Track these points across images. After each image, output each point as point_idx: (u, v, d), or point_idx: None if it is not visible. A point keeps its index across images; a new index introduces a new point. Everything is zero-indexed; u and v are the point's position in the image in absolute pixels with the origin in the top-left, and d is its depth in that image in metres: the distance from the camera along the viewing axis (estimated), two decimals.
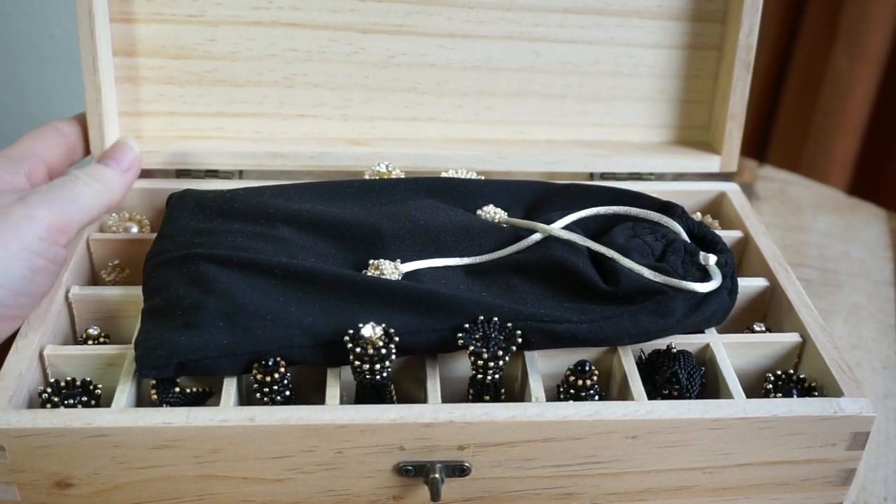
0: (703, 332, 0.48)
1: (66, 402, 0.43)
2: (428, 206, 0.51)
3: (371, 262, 0.47)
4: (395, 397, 0.45)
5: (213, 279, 0.45)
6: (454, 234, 0.49)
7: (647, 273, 0.46)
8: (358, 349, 0.42)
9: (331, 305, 0.44)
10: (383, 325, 0.43)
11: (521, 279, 0.47)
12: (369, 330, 0.42)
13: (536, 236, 0.49)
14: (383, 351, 0.42)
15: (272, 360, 0.43)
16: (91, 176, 0.50)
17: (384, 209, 0.51)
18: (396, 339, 0.43)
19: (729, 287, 0.48)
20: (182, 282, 0.45)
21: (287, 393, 0.43)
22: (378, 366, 0.42)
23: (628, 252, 0.48)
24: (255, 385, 0.43)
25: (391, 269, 0.46)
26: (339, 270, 0.46)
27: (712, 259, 0.48)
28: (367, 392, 0.44)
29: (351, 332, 0.43)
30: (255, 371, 0.43)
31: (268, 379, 0.43)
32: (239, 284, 0.44)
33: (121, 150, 0.54)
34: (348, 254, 0.48)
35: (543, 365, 0.46)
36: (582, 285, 0.47)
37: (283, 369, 0.43)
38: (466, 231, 0.49)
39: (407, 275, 0.47)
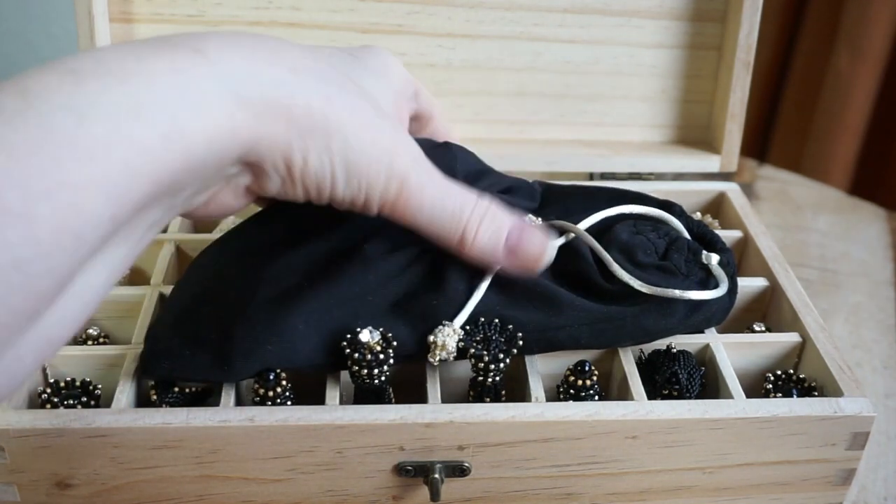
0: (702, 331, 0.48)
1: (65, 402, 0.43)
2: None
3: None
4: (393, 401, 0.45)
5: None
6: None
7: (646, 289, 0.45)
8: (356, 354, 0.42)
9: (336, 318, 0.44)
10: (381, 330, 0.43)
11: (523, 283, 0.47)
12: (367, 335, 0.42)
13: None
14: (381, 356, 0.42)
15: (272, 374, 0.43)
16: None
17: None
18: (394, 343, 0.43)
19: (729, 287, 0.48)
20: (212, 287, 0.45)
21: (288, 403, 0.43)
22: (376, 370, 0.42)
23: (632, 249, 0.47)
24: (257, 398, 0.43)
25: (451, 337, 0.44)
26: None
27: (715, 258, 0.47)
28: (366, 396, 0.44)
29: (349, 336, 0.43)
30: (255, 385, 0.43)
31: (270, 393, 0.43)
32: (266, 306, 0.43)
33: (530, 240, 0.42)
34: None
35: (543, 365, 0.46)
36: (585, 287, 0.47)
37: (284, 382, 0.43)
38: None
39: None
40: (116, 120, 0.28)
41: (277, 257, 0.44)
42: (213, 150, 0.32)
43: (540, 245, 0.42)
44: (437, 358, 0.43)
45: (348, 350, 0.42)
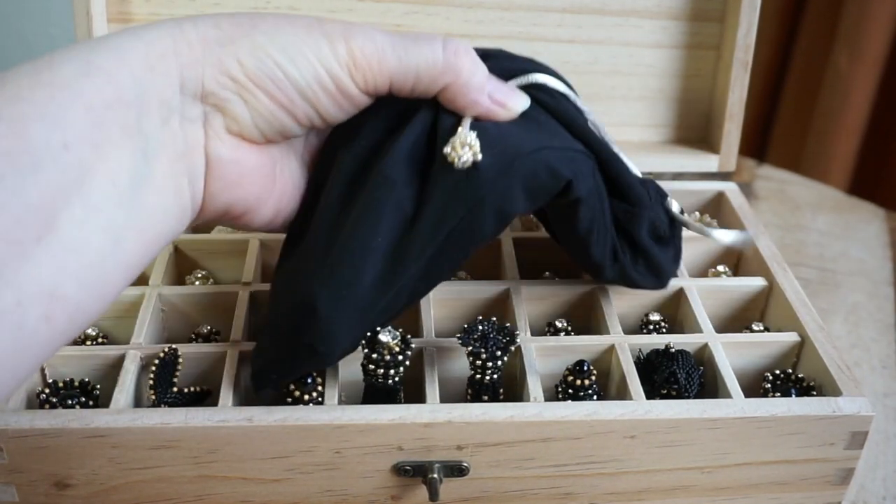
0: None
1: (64, 402, 0.43)
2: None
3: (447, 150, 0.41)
4: (402, 401, 0.45)
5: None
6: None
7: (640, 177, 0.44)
8: (374, 354, 0.42)
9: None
10: (400, 331, 0.43)
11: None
12: (387, 335, 0.42)
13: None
14: (399, 357, 0.42)
15: (311, 378, 0.43)
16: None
17: None
18: (412, 345, 0.43)
19: (676, 250, 0.48)
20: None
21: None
22: (392, 371, 0.43)
23: None
24: (290, 400, 0.43)
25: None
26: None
27: (677, 206, 0.47)
28: (377, 395, 0.44)
29: (368, 335, 0.43)
30: (292, 387, 0.43)
31: (305, 397, 0.43)
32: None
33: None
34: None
35: (542, 365, 0.46)
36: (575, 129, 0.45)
37: (320, 388, 0.43)
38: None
39: None
40: (36, 70, 0.34)
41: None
42: (138, 82, 0.36)
43: (513, 89, 0.43)
44: (465, 158, 0.40)
45: (366, 350, 0.42)
